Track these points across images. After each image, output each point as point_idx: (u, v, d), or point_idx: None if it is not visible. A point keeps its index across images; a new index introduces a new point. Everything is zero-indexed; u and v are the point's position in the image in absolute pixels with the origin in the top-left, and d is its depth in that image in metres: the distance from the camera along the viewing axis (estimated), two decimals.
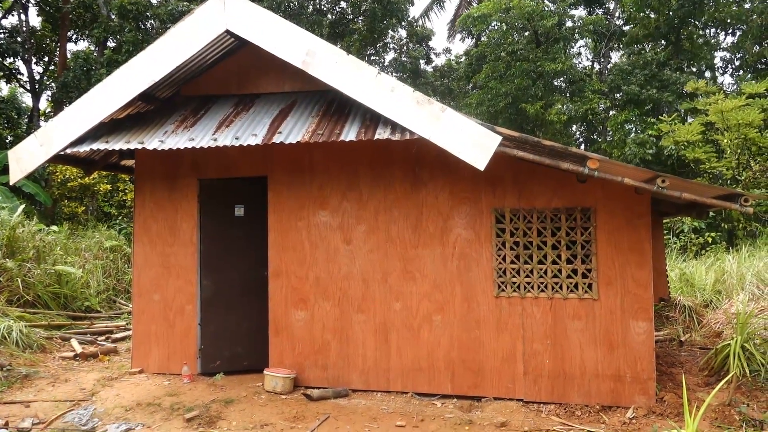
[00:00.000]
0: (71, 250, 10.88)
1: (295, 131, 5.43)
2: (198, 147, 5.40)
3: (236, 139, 5.41)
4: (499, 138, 4.82)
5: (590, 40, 22.72)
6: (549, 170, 5.49)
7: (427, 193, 5.82)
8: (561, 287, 5.46)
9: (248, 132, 5.52)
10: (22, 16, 18.70)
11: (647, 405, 5.18)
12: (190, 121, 5.97)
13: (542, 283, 5.51)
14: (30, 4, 19.10)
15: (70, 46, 21.02)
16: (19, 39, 18.32)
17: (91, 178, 15.58)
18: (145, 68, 5.62)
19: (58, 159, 6.19)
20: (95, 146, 5.68)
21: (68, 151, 5.74)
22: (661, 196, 5.10)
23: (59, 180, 15.56)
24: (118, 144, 5.64)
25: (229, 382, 6.09)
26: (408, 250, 5.83)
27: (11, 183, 5.80)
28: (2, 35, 18.03)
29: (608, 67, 22.63)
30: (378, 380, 5.83)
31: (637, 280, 5.31)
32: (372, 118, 5.46)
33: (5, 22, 19.48)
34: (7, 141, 18.20)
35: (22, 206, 10.15)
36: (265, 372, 5.91)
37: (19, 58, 19.15)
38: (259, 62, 6.32)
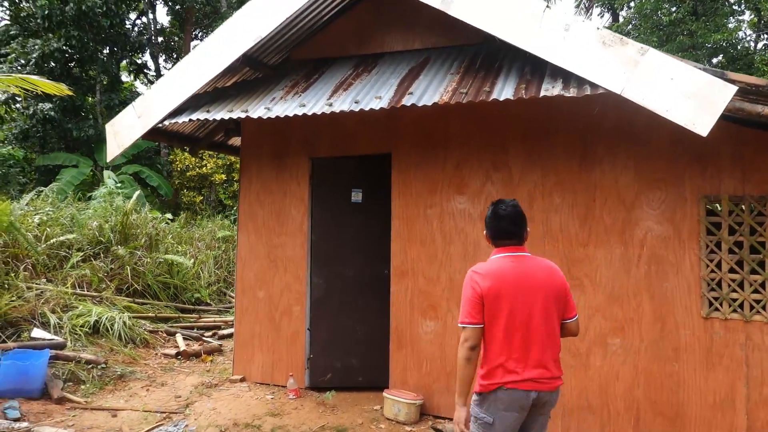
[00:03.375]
0: (184, 239, 10.55)
1: (430, 91, 4.22)
2: (310, 114, 4.36)
3: (356, 103, 4.31)
4: (734, 89, 3.28)
5: (753, 16, 19.53)
6: None
7: (602, 174, 4.36)
8: None
9: (370, 95, 4.40)
10: (150, 15, 19.33)
11: None
12: (301, 86, 4.98)
13: None
14: (158, 3, 19.73)
15: (195, 43, 21.57)
16: (146, 36, 18.92)
17: (208, 168, 15.62)
18: (250, 23, 4.72)
19: (157, 133, 5.54)
20: (195, 116, 4.85)
21: (166, 123, 5.00)
22: None
23: (179, 169, 15.73)
24: (219, 113, 4.78)
25: (342, 401, 5.04)
26: (574, 248, 4.41)
27: (108, 160, 5.16)
28: (135, 33, 18.72)
29: None
30: None
31: None
32: (533, 71, 4.11)
33: (138, 21, 20.31)
34: None
35: (137, 192, 9.91)
36: (384, 394, 4.78)
37: (147, 53, 19.84)
38: (381, 16, 5.22)
